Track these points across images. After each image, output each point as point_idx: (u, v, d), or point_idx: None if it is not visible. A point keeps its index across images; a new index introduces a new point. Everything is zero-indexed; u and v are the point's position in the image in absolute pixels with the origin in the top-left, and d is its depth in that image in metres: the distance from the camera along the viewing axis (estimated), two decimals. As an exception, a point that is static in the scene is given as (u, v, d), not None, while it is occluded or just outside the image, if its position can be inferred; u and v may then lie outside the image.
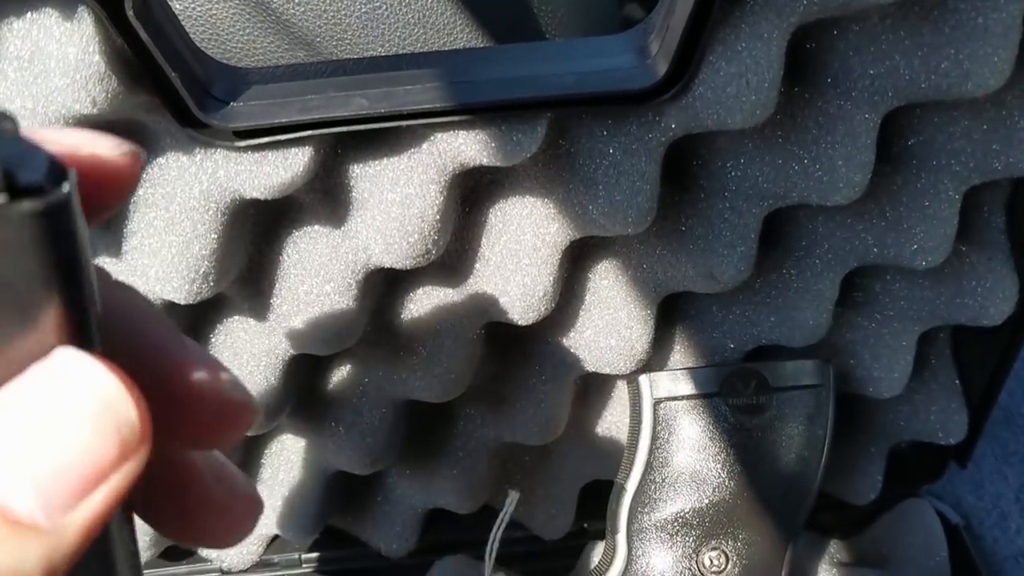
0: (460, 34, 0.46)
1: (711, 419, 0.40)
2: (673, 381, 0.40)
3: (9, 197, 0.14)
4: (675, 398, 0.40)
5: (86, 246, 0.16)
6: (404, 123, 0.33)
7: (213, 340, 0.41)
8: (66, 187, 0.15)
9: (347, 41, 0.46)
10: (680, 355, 0.44)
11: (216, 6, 0.45)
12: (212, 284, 0.36)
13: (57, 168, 0.15)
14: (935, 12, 0.34)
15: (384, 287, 0.40)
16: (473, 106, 0.33)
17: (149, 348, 0.18)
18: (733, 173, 0.38)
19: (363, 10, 0.46)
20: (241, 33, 0.46)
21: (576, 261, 0.41)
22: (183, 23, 0.43)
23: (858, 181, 0.36)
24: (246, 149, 0.34)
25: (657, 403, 0.40)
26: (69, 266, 0.15)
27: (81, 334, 0.16)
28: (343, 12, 0.46)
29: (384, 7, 0.45)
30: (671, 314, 0.43)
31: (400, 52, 0.46)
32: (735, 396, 0.40)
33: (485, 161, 0.34)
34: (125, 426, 0.15)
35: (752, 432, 0.40)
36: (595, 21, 0.50)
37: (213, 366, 0.19)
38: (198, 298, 0.36)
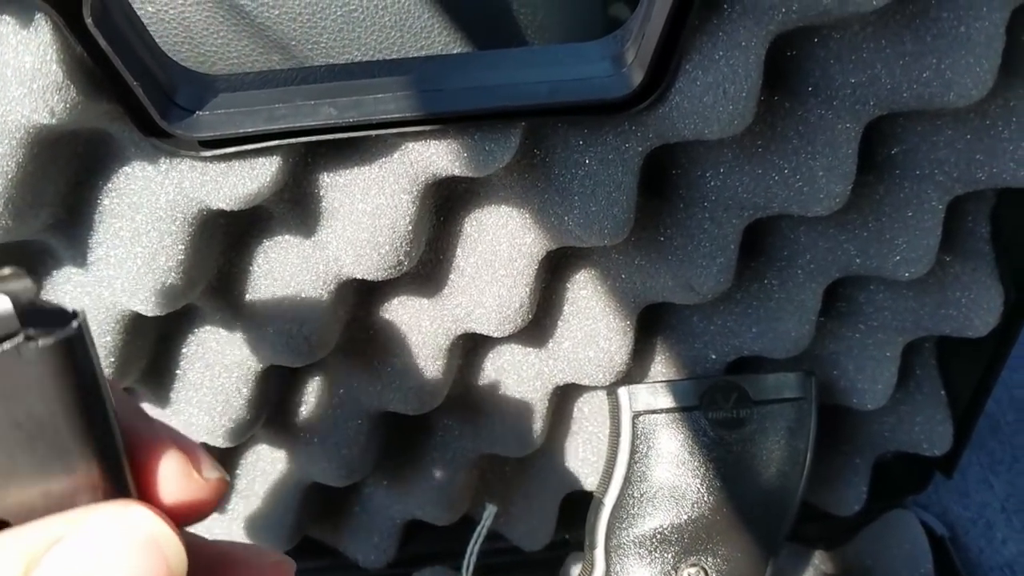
0: (437, 38, 0.46)
1: (690, 433, 0.39)
2: (652, 394, 0.40)
3: (26, 338, 0.16)
4: (654, 411, 0.39)
5: (102, 376, 0.18)
6: (374, 132, 0.33)
7: (185, 351, 0.40)
8: (75, 323, 0.17)
9: (322, 45, 0.45)
10: (661, 366, 0.43)
11: (189, 9, 0.44)
12: (180, 296, 0.35)
13: (66, 312, 0.17)
14: (917, 21, 0.33)
15: (357, 297, 0.39)
16: (444, 115, 0.32)
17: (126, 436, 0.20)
18: (712, 183, 0.37)
19: (338, 13, 0.45)
20: (215, 36, 0.45)
21: (554, 271, 0.40)
22: (156, 26, 0.42)
23: (839, 192, 0.35)
24: (212, 159, 0.33)
25: (636, 416, 0.39)
26: (91, 396, 0.18)
27: (110, 461, 0.18)
28: (318, 15, 0.45)
29: (360, 11, 0.45)
30: (652, 324, 0.43)
31: (377, 56, 0.45)
32: (715, 410, 0.39)
33: (457, 171, 0.34)
34: (174, 559, 0.18)
35: (732, 446, 0.39)
36: (578, 24, 0.49)
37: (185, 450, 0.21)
38: (166, 310, 0.35)
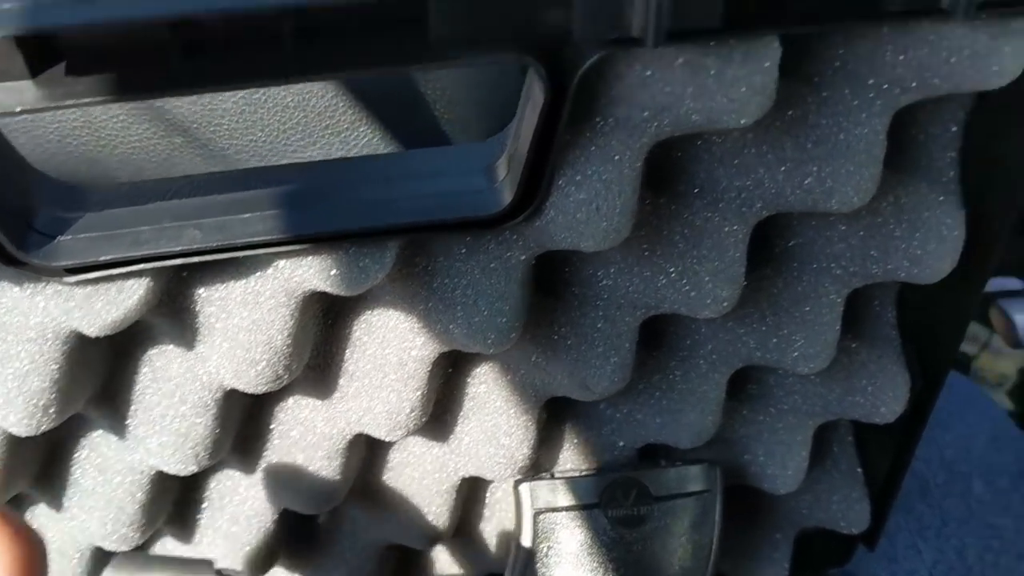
0: (341, 117, 0.45)
1: (591, 532, 0.38)
2: (552, 491, 0.39)
3: None
4: (555, 509, 0.39)
5: None
6: (241, 254, 0.32)
7: (77, 456, 0.39)
8: None
9: (224, 127, 0.45)
10: (570, 452, 0.42)
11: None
12: (55, 415, 0.34)
13: None
14: (796, 128, 0.32)
15: (248, 401, 0.39)
16: (312, 237, 0.31)
17: None
18: (604, 282, 0.37)
19: (239, 95, 0.44)
20: (115, 120, 0.44)
21: (454, 365, 0.39)
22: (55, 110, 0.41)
23: (726, 296, 0.35)
24: (77, 284, 0.32)
25: (537, 514, 0.39)
26: None
27: None
28: (219, 97, 0.44)
29: (261, 91, 0.44)
30: (560, 411, 0.42)
31: (279, 136, 0.45)
32: (615, 507, 0.39)
33: (330, 289, 0.33)
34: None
35: (632, 545, 0.38)
36: (497, 122, 0.48)
37: None
38: (40, 430, 0.34)
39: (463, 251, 0.34)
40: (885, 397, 0.40)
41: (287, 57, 0.26)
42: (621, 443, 0.41)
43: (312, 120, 0.45)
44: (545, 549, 0.39)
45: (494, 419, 0.39)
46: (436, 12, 0.26)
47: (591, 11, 0.26)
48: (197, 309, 0.34)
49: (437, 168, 0.33)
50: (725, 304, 0.35)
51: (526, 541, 0.39)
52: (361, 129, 0.45)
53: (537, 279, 0.36)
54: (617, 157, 0.31)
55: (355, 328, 0.37)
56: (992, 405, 0.59)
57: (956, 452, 0.54)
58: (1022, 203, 0.34)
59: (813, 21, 0.28)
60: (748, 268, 0.37)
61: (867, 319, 0.40)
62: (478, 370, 0.39)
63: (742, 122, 0.29)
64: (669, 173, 0.34)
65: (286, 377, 0.35)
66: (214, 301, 0.34)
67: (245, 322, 0.34)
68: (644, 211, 0.34)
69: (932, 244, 0.34)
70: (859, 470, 0.45)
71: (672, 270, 0.35)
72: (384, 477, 0.42)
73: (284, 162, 0.45)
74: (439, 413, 0.39)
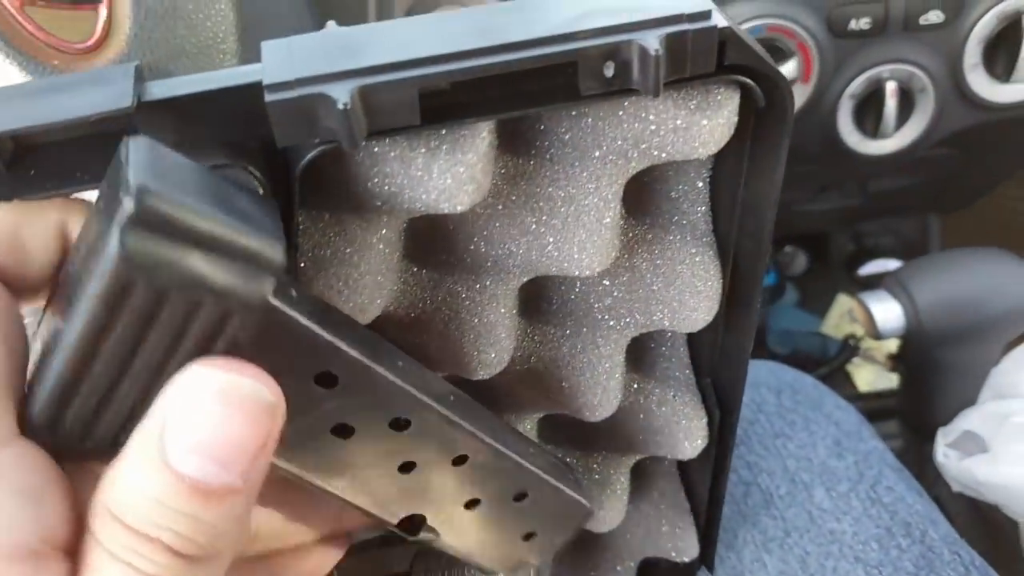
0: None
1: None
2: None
3: None
4: None
5: None
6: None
7: None
8: None
9: None
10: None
11: None
12: None
13: None
14: (532, 200, 0.33)
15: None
16: None
17: None
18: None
19: None
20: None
21: None
22: None
23: (494, 360, 0.35)
24: None
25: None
26: None
27: None
28: None
29: None
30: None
31: None
32: None
33: None
34: (278, 408, 0.23)
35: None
36: None
37: None
38: None
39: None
40: (685, 434, 0.41)
41: (2, 180, 0.26)
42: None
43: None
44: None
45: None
46: (146, 125, 0.26)
47: (287, 123, 0.26)
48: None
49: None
50: (495, 368, 0.35)
51: None
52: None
53: None
54: (357, 242, 0.32)
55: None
56: (838, 407, 0.60)
57: (798, 462, 0.55)
58: (769, 245, 0.35)
59: (515, 107, 0.28)
60: (530, 324, 0.38)
61: (659, 360, 0.41)
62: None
63: (458, 209, 0.30)
64: (433, 246, 0.35)
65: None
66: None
67: None
68: (408, 282, 0.35)
69: (688, 296, 0.35)
70: (684, 501, 0.46)
71: (438, 340, 0.35)
72: None
73: None
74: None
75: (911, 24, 0.77)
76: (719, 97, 0.29)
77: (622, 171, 0.32)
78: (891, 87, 0.79)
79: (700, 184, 0.35)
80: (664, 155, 0.31)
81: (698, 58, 0.27)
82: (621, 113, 0.30)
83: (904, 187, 0.97)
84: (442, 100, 0.27)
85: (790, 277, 1.11)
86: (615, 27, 0.26)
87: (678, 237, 0.35)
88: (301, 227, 0.31)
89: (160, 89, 0.26)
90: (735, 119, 0.30)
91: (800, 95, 0.78)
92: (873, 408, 0.92)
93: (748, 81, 0.28)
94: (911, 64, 0.78)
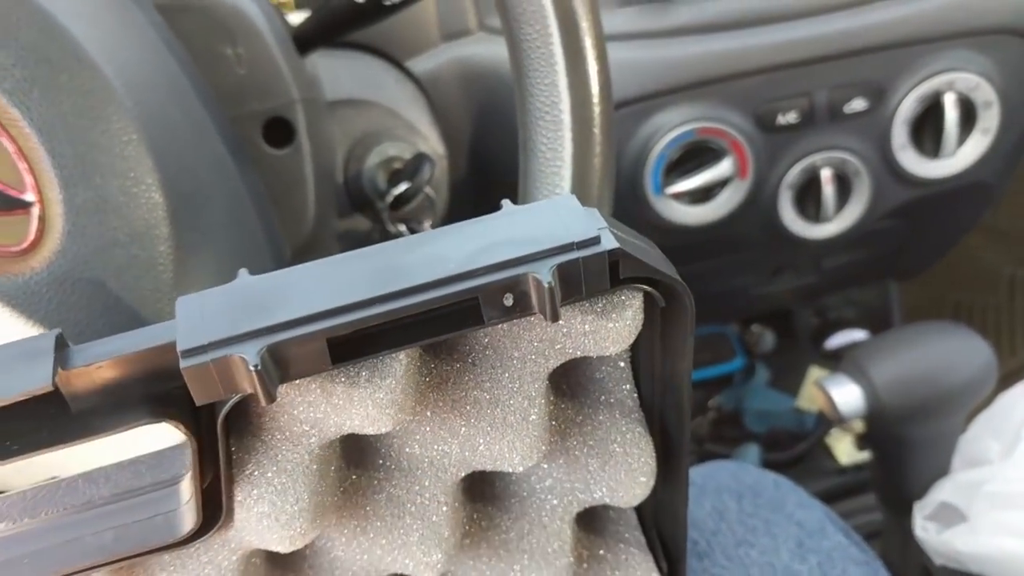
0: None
1: None
2: None
3: None
4: None
5: None
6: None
7: None
8: None
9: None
10: None
11: None
12: None
13: None
14: (460, 405, 0.33)
15: None
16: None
17: None
18: (333, 553, 0.37)
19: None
20: None
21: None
22: None
23: (437, 560, 0.36)
24: None
25: None
26: None
27: None
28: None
29: None
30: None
31: None
32: None
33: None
34: None
35: None
36: None
37: None
38: None
39: (177, 561, 0.35)
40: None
41: None
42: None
43: None
44: None
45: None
46: (68, 394, 0.27)
47: (203, 384, 0.27)
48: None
49: (133, 485, 0.34)
50: (439, 567, 0.36)
51: None
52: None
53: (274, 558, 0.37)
54: (289, 466, 0.32)
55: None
56: (800, 506, 0.61)
57: (761, 569, 0.56)
58: (689, 415, 0.35)
59: (424, 336, 0.29)
60: (475, 509, 0.39)
61: (608, 524, 0.42)
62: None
63: (383, 430, 0.31)
64: (365, 453, 0.36)
65: None
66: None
67: None
68: (348, 489, 0.36)
69: (623, 473, 0.36)
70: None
71: (384, 541, 0.36)
72: None
73: None
74: None
75: (837, 114, 0.79)
76: (623, 298, 0.30)
77: (542, 368, 0.33)
78: (826, 174, 0.81)
79: (622, 364, 0.36)
80: (579, 352, 0.32)
81: (591, 280, 0.28)
82: (533, 319, 0.31)
83: (857, 260, 0.99)
84: (350, 339, 0.28)
85: (759, 356, 1.12)
86: (511, 261, 0.27)
87: (607, 416, 0.36)
88: (234, 457, 0.32)
89: (81, 356, 0.27)
90: (640, 317, 0.31)
91: (739, 190, 0.80)
92: (856, 481, 0.93)
93: (646, 288, 0.30)
94: (842, 150, 0.81)
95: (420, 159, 0.74)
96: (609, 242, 0.28)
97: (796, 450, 1.02)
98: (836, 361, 0.89)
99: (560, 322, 0.31)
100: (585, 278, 0.28)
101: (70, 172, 0.46)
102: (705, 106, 0.77)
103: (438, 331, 0.29)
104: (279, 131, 0.66)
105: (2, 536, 0.33)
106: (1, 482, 0.47)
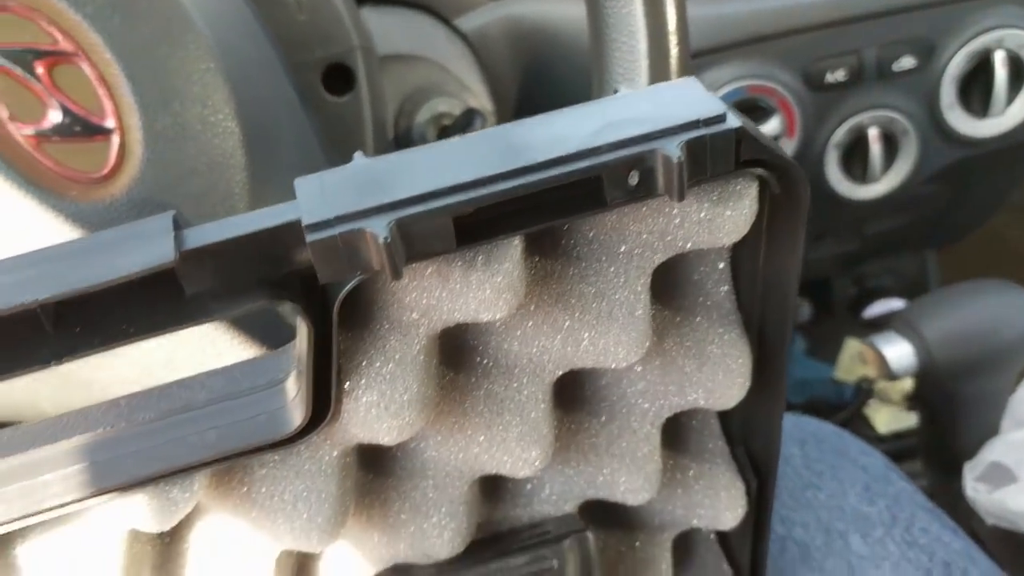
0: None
1: None
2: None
3: None
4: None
5: None
6: (46, 516, 0.32)
7: None
8: None
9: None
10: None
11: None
12: None
13: None
14: (564, 299, 0.34)
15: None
16: (116, 487, 0.32)
17: None
18: (428, 453, 0.38)
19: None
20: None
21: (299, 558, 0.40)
22: None
23: (536, 456, 0.36)
24: None
25: None
26: None
27: None
28: None
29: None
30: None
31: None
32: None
33: (141, 527, 0.33)
34: None
35: None
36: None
37: None
38: None
39: (276, 459, 0.35)
40: (724, 504, 0.41)
41: (49, 342, 0.27)
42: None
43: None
44: None
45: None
46: (186, 273, 0.27)
47: (330, 259, 0.27)
48: (21, 566, 0.34)
49: (231, 390, 0.34)
50: (537, 463, 0.36)
51: None
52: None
53: (366, 459, 0.38)
54: (398, 356, 0.33)
55: (193, 543, 0.37)
56: (863, 453, 0.61)
57: (831, 511, 0.56)
58: (794, 317, 0.36)
59: (545, 219, 0.29)
60: (565, 413, 0.39)
61: (692, 435, 0.42)
62: (329, 555, 0.40)
63: (498, 316, 0.31)
64: (463, 351, 0.36)
65: (124, 613, 0.35)
66: (33, 559, 0.34)
67: (68, 569, 0.34)
68: (446, 387, 0.36)
69: (720, 375, 0.36)
70: (728, 569, 0.46)
71: (482, 438, 0.36)
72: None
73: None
74: (298, 601, 0.40)
75: (885, 71, 0.79)
76: (739, 187, 0.30)
77: (648, 263, 0.33)
78: (873, 133, 0.81)
79: (721, 265, 0.36)
80: (689, 245, 0.32)
81: (718, 159, 0.28)
82: (644, 209, 0.31)
83: (899, 227, 0.99)
84: (474, 220, 0.28)
85: (797, 326, 1.11)
86: (637, 138, 0.27)
87: (705, 318, 0.36)
88: (342, 348, 0.32)
89: (198, 237, 0.27)
90: (756, 207, 0.31)
91: (787, 149, 0.80)
92: (896, 449, 0.92)
93: (764, 173, 0.30)
94: (890, 109, 0.81)
95: (471, 114, 0.74)
96: (734, 121, 0.28)
97: (835, 419, 1.01)
98: (875, 330, 0.89)
99: (674, 211, 0.31)
100: (711, 157, 0.28)
101: (149, 98, 0.46)
102: (755, 63, 0.78)
103: (559, 214, 0.29)
104: (339, 78, 0.66)
105: (104, 437, 0.34)
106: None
